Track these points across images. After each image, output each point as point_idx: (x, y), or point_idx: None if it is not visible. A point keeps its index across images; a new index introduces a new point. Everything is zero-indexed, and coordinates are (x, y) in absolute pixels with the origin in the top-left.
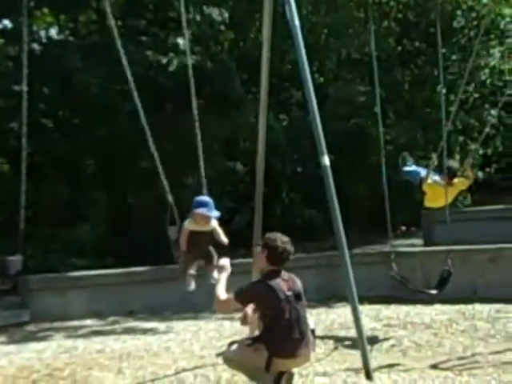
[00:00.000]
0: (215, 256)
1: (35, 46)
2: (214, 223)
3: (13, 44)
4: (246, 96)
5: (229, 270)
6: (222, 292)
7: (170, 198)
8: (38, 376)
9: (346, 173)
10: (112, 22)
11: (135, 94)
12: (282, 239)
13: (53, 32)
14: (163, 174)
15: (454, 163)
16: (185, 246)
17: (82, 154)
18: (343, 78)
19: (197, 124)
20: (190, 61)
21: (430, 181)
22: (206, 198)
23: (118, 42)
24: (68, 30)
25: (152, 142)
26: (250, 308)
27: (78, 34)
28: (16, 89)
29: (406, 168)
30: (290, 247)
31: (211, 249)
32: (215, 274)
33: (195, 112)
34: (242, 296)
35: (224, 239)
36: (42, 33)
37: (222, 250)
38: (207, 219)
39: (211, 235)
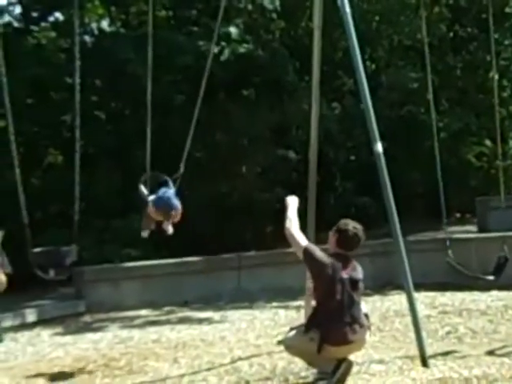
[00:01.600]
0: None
1: (87, 38)
2: (177, 210)
3: (64, 37)
4: (298, 84)
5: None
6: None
7: (148, 164)
8: (94, 366)
9: (399, 160)
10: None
11: None
12: (354, 225)
13: (104, 24)
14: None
15: None
16: (148, 225)
17: (134, 145)
18: (395, 65)
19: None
20: None
21: None
22: (168, 197)
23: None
24: (119, 21)
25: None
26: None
27: (129, 25)
28: (68, 81)
29: None
30: (361, 234)
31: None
32: (168, 226)
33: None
34: (311, 251)
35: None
36: (94, 25)
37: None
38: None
39: None
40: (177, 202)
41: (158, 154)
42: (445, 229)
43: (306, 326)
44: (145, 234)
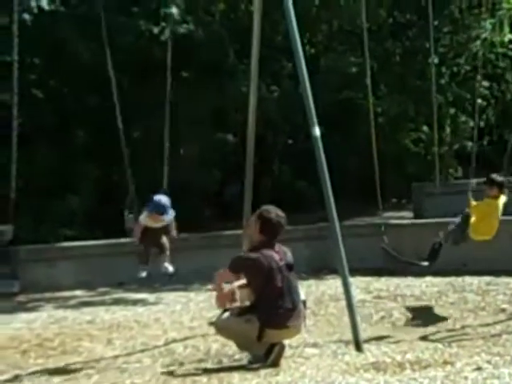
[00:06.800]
0: (167, 247)
1: (26, 16)
2: (169, 217)
3: (3, 14)
4: (238, 66)
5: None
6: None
7: (131, 187)
8: (27, 346)
9: (337, 145)
10: None
11: None
12: (277, 213)
13: (44, 2)
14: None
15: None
16: (138, 238)
17: (72, 125)
18: (334, 50)
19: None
20: None
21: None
22: (162, 201)
23: None
24: None
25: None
26: (236, 283)
27: (68, 4)
28: (7, 59)
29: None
30: (284, 221)
31: (164, 240)
32: (166, 264)
33: None
34: (236, 264)
35: (174, 234)
36: (33, 3)
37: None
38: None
39: (165, 228)
40: (171, 211)
41: (99, 135)
42: (380, 214)
43: (241, 312)
44: (143, 274)
